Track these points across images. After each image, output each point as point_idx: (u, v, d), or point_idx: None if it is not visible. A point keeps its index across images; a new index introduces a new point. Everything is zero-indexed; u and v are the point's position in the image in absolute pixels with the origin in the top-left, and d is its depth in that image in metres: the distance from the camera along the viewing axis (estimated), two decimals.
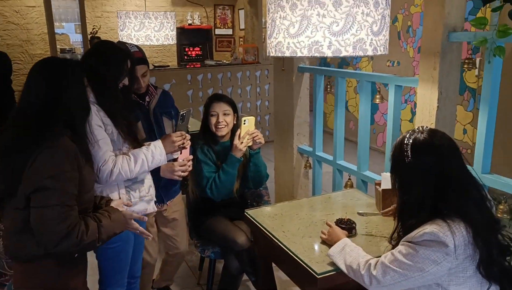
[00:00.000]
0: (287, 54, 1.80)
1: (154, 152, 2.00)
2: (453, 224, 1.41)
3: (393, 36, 6.04)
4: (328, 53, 1.74)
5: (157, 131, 2.57)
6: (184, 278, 3.19)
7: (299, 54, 1.77)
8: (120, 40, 3.95)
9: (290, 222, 2.16)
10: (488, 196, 1.56)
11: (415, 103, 5.81)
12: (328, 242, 1.84)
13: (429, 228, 1.42)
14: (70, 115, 1.62)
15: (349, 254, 1.66)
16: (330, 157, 3.08)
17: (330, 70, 3.17)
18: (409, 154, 1.50)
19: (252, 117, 2.50)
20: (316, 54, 1.75)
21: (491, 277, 1.42)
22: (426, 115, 2.18)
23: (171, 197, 2.59)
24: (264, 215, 2.24)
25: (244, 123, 2.47)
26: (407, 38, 5.82)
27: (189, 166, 2.32)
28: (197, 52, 7.53)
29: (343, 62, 6.99)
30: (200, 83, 6.18)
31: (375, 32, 1.76)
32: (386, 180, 2.23)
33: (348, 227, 2.02)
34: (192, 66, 6.65)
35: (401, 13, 5.92)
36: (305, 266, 1.77)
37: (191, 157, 2.35)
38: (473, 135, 5.02)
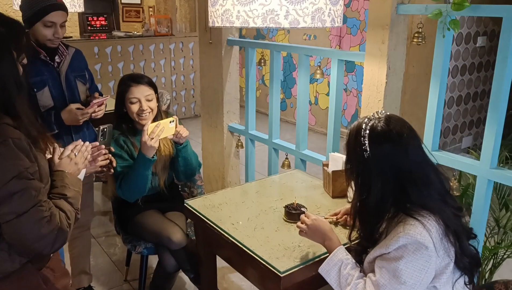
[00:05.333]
0: (237, 24, 1.56)
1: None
2: (424, 220, 1.30)
3: None
4: (285, 24, 1.53)
5: (69, 98, 2.22)
6: (108, 275, 2.87)
7: (251, 25, 1.54)
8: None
9: (237, 211, 1.96)
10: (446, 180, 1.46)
11: None
12: (309, 238, 1.61)
13: (403, 231, 1.29)
14: (5, 95, 1.27)
15: (344, 277, 1.43)
16: (265, 136, 2.92)
17: (263, 43, 2.98)
18: (367, 147, 1.36)
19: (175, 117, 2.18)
20: (272, 25, 1.53)
21: (464, 268, 1.36)
22: (374, 91, 2.09)
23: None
24: (206, 205, 2.02)
25: (171, 122, 2.13)
26: None
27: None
28: (102, 22, 6.86)
29: (259, 35, 6.82)
30: (109, 56, 5.63)
31: (333, 0, 1.58)
32: (334, 161, 2.12)
33: (298, 212, 1.88)
34: (97, 37, 6.03)
35: None
36: (265, 264, 1.59)
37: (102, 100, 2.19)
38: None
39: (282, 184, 2.27)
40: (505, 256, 2.33)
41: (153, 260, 2.69)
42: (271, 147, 2.86)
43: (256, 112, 3.09)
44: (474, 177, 2.33)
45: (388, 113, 1.42)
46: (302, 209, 1.89)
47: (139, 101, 2.19)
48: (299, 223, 1.60)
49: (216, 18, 1.64)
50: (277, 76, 2.72)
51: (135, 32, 6.36)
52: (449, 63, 1.87)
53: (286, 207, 1.92)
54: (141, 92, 2.19)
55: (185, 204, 2.06)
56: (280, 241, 1.73)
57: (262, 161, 3.36)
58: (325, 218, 1.85)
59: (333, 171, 2.06)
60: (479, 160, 1.82)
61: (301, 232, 1.59)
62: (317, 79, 6.11)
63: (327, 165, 2.17)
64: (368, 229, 1.42)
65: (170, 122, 2.11)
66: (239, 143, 3.20)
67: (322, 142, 5.44)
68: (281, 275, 1.53)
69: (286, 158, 2.80)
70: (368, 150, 1.35)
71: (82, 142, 1.53)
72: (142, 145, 2.08)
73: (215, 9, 1.63)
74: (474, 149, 5.27)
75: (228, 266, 2.02)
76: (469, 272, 1.37)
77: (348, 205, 1.86)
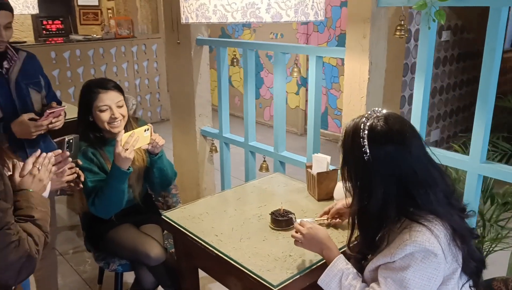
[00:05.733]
0: (214, 19, 1.44)
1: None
2: (431, 225, 1.20)
3: None
4: (267, 18, 1.42)
5: (20, 108, 2.01)
6: None
7: (230, 20, 1.42)
8: None
9: (219, 222, 1.83)
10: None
11: (301, 76, 5.82)
12: (305, 248, 1.48)
13: (409, 239, 1.19)
14: None
15: (346, 288, 1.32)
16: (240, 139, 2.80)
17: (236, 41, 2.85)
18: (367, 149, 1.24)
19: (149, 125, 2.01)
20: (253, 19, 1.41)
21: (471, 273, 1.28)
22: (356, 88, 2.01)
23: None
24: (186, 217, 1.88)
25: (146, 131, 1.96)
26: None
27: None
28: (58, 25, 6.53)
29: (224, 35, 6.69)
30: (68, 61, 5.35)
31: None
32: (318, 162, 2.03)
33: (286, 219, 1.77)
34: (53, 41, 5.73)
35: None
36: (255, 277, 1.47)
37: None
38: None
39: (264, 189, 2.16)
40: (490, 249, 2.31)
41: (128, 276, 2.52)
42: (247, 150, 2.74)
43: (231, 116, 2.97)
44: (457, 171, 2.30)
45: (386, 111, 1.33)
46: (290, 215, 1.78)
47: (110, 108, 2.01)
48: (293, 233, 1.49)
49: (190, 14, 1.50)
50: (251, 76, 2.61)
51: (94, 35, 6.10)
52: (433, 56, 1.81)
53: (272, 214, 1.80)
54: (111, 99, 2.02)
55: (162, 217, 1.91)
56: (269, 251, 1.62)
57: (238, 165, 3.24)
58: (316, 221, 1.76)
59: (318, 173, 1.97)
60: (461, 153, 1.77)
61: (297, 242, 1.48)
62: (286, 77, 6.06)
63: (310, 167, 2.07)
64: (369, 236, 1.31)
65: (145, 130, 1.95)
66: (213, 148, 3.07)
67: (293, 142, 5.37)
68: (275, 289, 1.41)
69: (264, 161, 2.69)
70: (368, 152, 1.25)
71: (44, 153, 1.36)
72: (116, 157, 1.89)
73: (188, 4, 1.49)
74: (442, 143, 5.36)
75: (208, 276, 1.89)
76: (475, 276, 1.29)
77: (338, 205, 1.77)
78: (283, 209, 1.81)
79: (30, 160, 1.34)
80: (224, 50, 2.75)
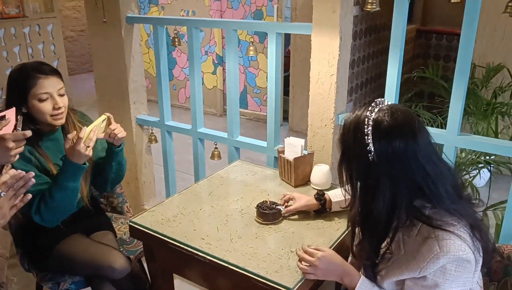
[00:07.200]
0: None
1: None
2: (456, 229, 1.11)
3: None
4: None
5: None
6: None
7: None
8: None
9: (200, 222, 1.64)
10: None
11: (217, 55, 5.61)
12: (316, 277, 1.30)
13: (440, 250, 1.08)
14: None
15: None
16: (186, 126, 2.57)
17: (178, 19, 2.59)
18: (372, 148, 1.12)
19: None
20: None
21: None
22: (325, 65, 1.91)
23: None
24: (159, 221, 1.65)
25: (103, 122, 1.73)
26: None
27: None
28: None
29: None
30: None
31: None
32: (292, 146, 1.92)
33: (274, 212, 1.64)
34: None
35: None
36: (266, 282, 1.32)
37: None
38: None
39: (233, 180, 1.99)
40: None
41: None
42: (196, 137, 2.52)
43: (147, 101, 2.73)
44: None
45: (389, 103, 1.20)
46: (278, 207, 1.65)
47: (51, 97, 1.70)
48: (301, 265, 1.30)
49: None
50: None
51: None
52: (405, 29, 1.78)
53: (258, 207, 1.66)
54: (52, 86, 1.70)
55: (130, 223, 1.66)
56: (268, 250, 1.48)
57: (177, 155, 2.99)
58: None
59: (294, 159, 1.85)
60: None
61: (308, 274, 1.29)
62: (201, 57, 5.80)
63: (282, 152, 1.95)
64: (375, 242, 1.20)
65: (102, 121, 1.69)
66: (152, 137, 2.79)
67: (213, 123, 5.17)
68: None
69: (216, 148, 2.50)
70: (372, 150, 1.12)
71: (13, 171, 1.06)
72: (73, 154, 1.62)
73: None
74: None
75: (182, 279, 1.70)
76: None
77: (304, 197, 1.68)
78: (270, 201, 1.68)
79: None
80: (162, 29, 2.47)
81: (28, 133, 1.43)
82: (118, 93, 2.69)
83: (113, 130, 1.76)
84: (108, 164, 1.87)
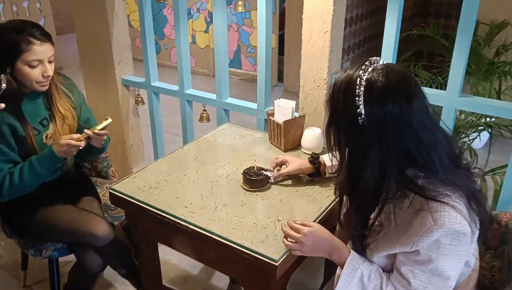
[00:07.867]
0: None
1: None
2: (451, 200, 1.02)
3: None
4: None
5: None
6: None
7: None
8: None
9: (184, 189, 1.56)
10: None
11: (209, 12, 5.39)
12: (307, 255, 1.23)
13: (434, 223, 1.00)
14: None
15: (371, 288, 1.14)
16: (174, 87, 2.45)
17: None
18: (362, 110, 1.02)
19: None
20: None
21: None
22: (319, 22, 1.78)
23: None
24: (141, 188, 1.57)
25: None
26: None
27: None
28: None
29: None
30: None
31: None
32: (282, 109, 1.82)
33: (262, 178, 1.56)
34: None
35: None
36: (250, 253, 1.26)
37: None
38: None
39: (220, 144, 1.90)
40: None
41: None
42: (183, 99, 2.41)
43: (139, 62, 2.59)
44: None
45: (384, 62, 1.09)
46: (266, 173, 1.57)
47: (41, 64, 1.60)
48: (286, 242, 1.21)
49: None
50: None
51: None
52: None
53: (245, 173, 1.57)
54: (45, 53, 1.59)
55: (110, 190, 1.58)
56: (253, 219, 1.40)
57: (166, 117, 2.88)
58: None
59: (284, 122, 1.76)
60: None
61: (295, 250, 1.20)
62: (193, 15, 5.58)
63: (272, 115, 1.85)
64: (364, 212, 1.12)
65: (106, 125, 1.67)
66: (139, 99, 2.68)
67: (206, 85, 5.02)
68: (277, 264, 1.22)
69: (204, 110, 2.40)
70: (363, 113, 1.02)
71: None
72: (62, 149, 1.60)
73: None
74: None
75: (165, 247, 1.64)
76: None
77: (297, 161, 1.59)
78: (257, 167, 1.59)
79: None
80: None
81: (2, 105, 1.36)
82: (101, 53, 2.55)
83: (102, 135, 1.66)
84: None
